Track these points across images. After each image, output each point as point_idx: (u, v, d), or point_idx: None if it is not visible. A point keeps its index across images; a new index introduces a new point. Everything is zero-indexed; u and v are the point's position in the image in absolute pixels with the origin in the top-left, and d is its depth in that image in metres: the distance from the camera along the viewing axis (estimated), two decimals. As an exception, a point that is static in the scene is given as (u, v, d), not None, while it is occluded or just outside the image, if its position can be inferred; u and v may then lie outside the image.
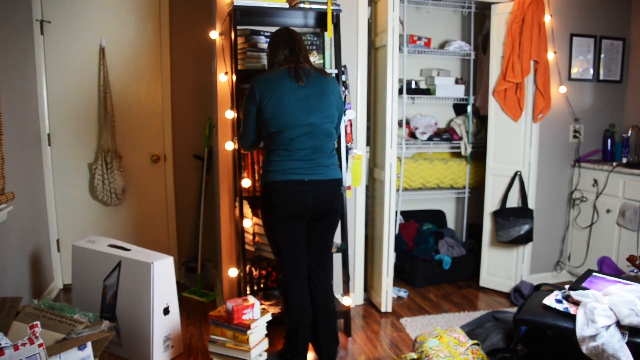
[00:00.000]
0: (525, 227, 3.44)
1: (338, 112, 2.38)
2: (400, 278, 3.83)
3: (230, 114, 2.83)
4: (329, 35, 2.75)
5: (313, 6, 2.67)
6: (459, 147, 4.01)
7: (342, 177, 2.62)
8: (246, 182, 2.77)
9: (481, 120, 4.01)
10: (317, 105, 2.29)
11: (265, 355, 2.45)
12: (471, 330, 2.57)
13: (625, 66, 3.84)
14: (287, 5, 2.65)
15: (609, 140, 3.74)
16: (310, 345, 2.52)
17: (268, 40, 2.74)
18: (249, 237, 2.85)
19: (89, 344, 1.92)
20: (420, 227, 3.96)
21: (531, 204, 3.50)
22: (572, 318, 1.81)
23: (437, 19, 4.05)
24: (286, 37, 2.40)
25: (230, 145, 2.89)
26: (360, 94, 3.19)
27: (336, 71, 2.76)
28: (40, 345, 1.67)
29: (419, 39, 3.83)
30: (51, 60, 3.44)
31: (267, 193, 2.34)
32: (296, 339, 2.42)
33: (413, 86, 3.87)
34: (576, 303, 1.87)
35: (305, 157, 2.30)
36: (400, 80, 3.66)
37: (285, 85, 2.26)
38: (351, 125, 3.05)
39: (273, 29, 2.91)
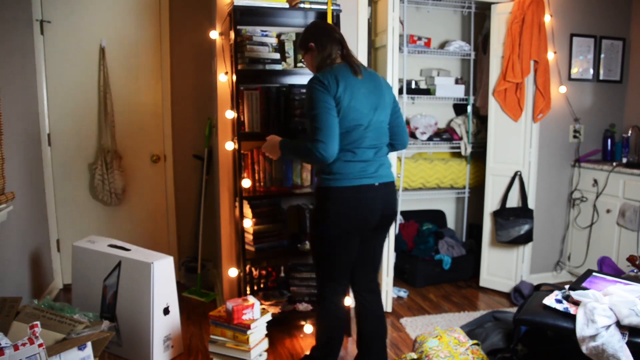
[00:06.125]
0: (525, 227, 3.43)
1: (391, 110, 2.16)
2: (400, 278, 3.83)
3: (230, 114, 2.83)
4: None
5: (313, 6, 2.67)
6: (459, 147, 4.01)
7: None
8: (246, 182, 2.77)
9: (481, 120, 4.01)
10: (380, 100, 2.07)
11: (265, 355, 2.45)
12: (471, 330, 2.57)
13: (625, 66, 3.84)
14: (287, 5, 2.64)
15: (609, 140, 3.74)
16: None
17: (265, 35, 2.74)
18: (249, 237, 2.85)
19: (89, 344, 1.92)
20: (420, 227, 3.96)
21: (531, 204, 3.50)
22: (572, 318, 1.81)
23: (437, 19, 4.05)
24: (331, 31, 2.14)
25: (230, 145, 2.89)
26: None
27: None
28: (40, 345, 1.67)
29: (419, 39, 3.83)
30: (51, 60, 3.44)
31: (330, 201, 2.01)
32: (329, 348, 2.26)
33: (413, 86, 3.87)
34: (576, 303, 1.86)
35: (371, 158, 2.04)
36: (400, 80, 3.66)
37: (352, 78, 2.00)
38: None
39: (273, 29, 2.93)
